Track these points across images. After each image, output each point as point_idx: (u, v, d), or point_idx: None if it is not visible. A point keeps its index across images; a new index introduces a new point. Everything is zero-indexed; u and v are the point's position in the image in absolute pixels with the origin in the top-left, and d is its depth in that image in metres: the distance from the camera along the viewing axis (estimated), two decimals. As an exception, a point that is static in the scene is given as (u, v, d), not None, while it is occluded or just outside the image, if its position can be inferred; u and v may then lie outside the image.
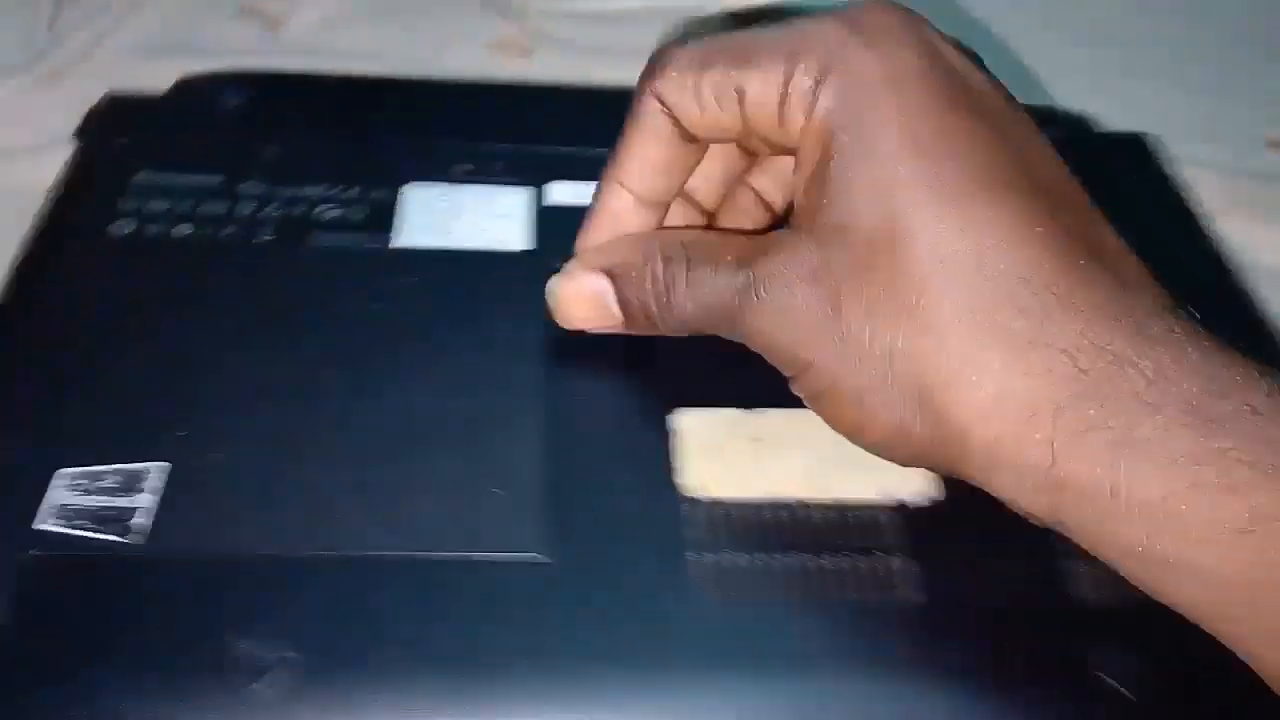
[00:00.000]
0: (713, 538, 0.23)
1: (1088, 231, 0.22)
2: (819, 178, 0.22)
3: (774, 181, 0.28)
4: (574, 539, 0.23)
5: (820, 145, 0.22)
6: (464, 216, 0.30)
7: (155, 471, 0.23)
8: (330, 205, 0.30)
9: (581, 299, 0.25)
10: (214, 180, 0.30)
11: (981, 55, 0.24)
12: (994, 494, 0.21)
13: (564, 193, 0.31)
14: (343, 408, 0.25)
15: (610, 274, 0.25)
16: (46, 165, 0.34)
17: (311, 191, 0.30)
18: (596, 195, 0.26)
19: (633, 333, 0.25)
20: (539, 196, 0.31)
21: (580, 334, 0.26)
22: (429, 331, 0.27)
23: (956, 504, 0.24)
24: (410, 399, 0.25)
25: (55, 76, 0.39)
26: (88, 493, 0.22)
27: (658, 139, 0.25)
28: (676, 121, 0.24)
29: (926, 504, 0.24)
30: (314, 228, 0.29)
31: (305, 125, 0.32)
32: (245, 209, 0.29)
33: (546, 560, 0.22)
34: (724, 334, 0.24)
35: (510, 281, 0.28)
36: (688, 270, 0.24)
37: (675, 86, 0.24)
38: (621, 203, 0.26)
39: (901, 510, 0.24)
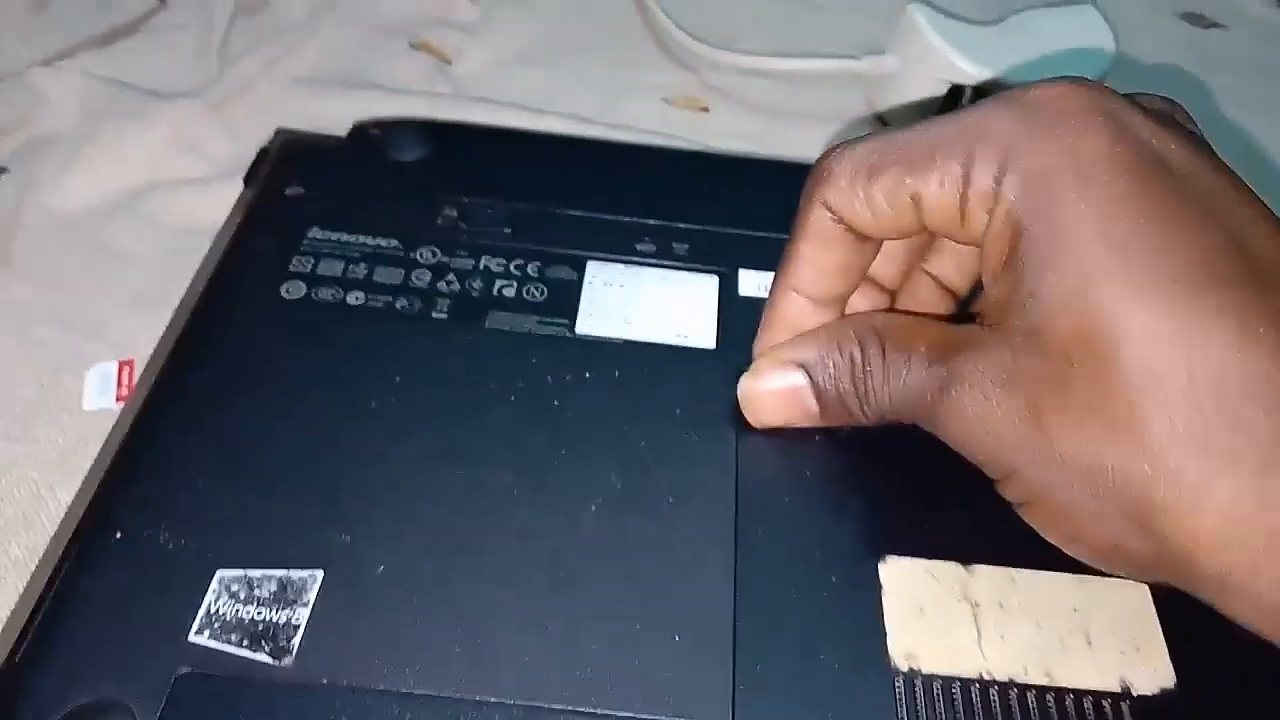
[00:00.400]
0: (923, 721, 0.20)
1: None
2: (1008, 275, 0.21)
3: (954, 264, 0.26)
4: (762, 705, 0.20)
5: (1008, 242, 0.21)
6: (648, 303, 0.28)
7: (312, 583, 0.21)
8: (508, 280, 0.28)
9: (775, 395, 0.25)
10: (389, 244, 0.28)
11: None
12: (1231, 618, 0.20)
13: (753, 284, 0.29)
14: (515, 520, 0.23)
15: (803, 366, 0.24)
16: (212, 200, 0.34)
17: (489, 263, 0.28)
18: (771, 298, 0.25)
19: (828, 424, 0.24)
20: (726, 285, 0.29)
21: (775, 431, 0.25)
22: (610, 438, 0.25)
23: (1190, 691, 0.21)
24: (588, 517, 0.23)
25: (223, 105, 0.38)
26: (244, 601, 0.21)
27: (830, 245, 0.23)
28: (849, 227, 0.23)
29: (1157, 692, 0.21)
30: (491, 306, 0.27)
31: (483, 185, 0.30)
32: (421, 278, 0.28)
33: (731, 730, 0.20)
34: (922, 426, 0.23)
35: (698, 385, 0.26)
36: (884, 357, 0.23)
37: (845, 195, 0.22)
38: (797, 307, 0.25)
39: (1130, 698, 0.21)
